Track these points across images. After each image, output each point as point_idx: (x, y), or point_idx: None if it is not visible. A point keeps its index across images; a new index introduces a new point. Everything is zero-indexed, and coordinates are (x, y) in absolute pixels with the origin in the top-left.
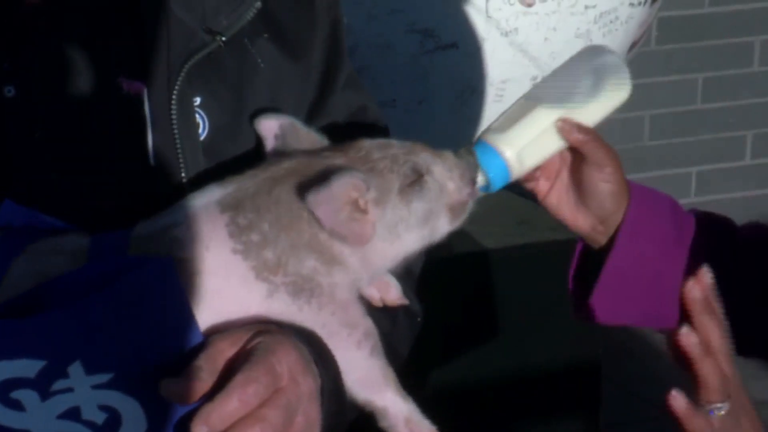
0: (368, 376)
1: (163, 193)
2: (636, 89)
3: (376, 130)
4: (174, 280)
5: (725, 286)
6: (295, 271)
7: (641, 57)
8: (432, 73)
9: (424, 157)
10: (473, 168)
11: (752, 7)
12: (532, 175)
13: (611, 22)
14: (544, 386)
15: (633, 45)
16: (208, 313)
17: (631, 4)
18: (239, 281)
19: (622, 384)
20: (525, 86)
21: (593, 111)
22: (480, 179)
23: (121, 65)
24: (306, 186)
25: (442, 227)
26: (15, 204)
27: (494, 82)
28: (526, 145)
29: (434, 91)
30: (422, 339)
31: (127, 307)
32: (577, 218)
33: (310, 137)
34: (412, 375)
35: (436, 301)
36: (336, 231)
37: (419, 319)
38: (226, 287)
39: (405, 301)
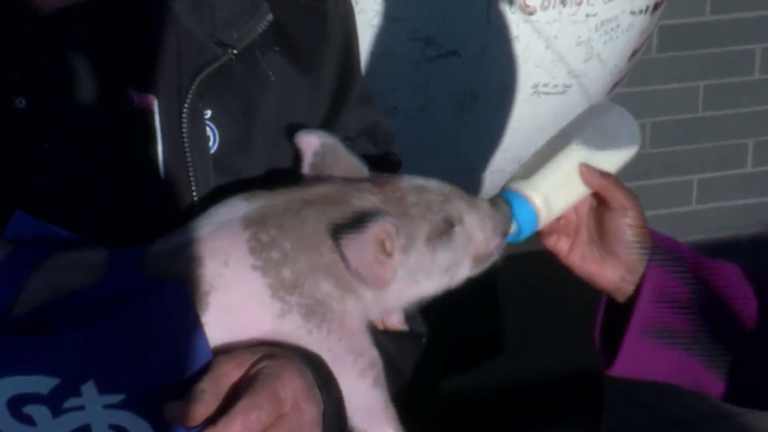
0: (369, 406)
1: (173, 205)
2: (637, 97)
3: (388, 151)
4: (187, 303)
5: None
6: (310, 293)
7: (642, 65)
8: (433, 80)
9: (458, 206)
10: (507, 221)
11: (753, 15)
12: (552, 228)
13: (612, 30)
14: (547, 394)
15: (634, 53)
16: (219, 329)
17: (633, 13)
18: (254, 298)
19: (624, 392)
20: (526, 94)
21: (607, 161)
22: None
23: (132, 77)
24: (337, 221)
25: (462, 274)
26: (25, 215)
27: (495, 90)
28: (551, 190)
29: (435, 98)
30: (424, 347)
31: (140, 330)
32: (604, 271)
33: (349, 162)
34: (414, 384)
35: (439, 309)
36: (359, 272)
37: (423, 340)
38: (241, 304)
39: (406, 328)
